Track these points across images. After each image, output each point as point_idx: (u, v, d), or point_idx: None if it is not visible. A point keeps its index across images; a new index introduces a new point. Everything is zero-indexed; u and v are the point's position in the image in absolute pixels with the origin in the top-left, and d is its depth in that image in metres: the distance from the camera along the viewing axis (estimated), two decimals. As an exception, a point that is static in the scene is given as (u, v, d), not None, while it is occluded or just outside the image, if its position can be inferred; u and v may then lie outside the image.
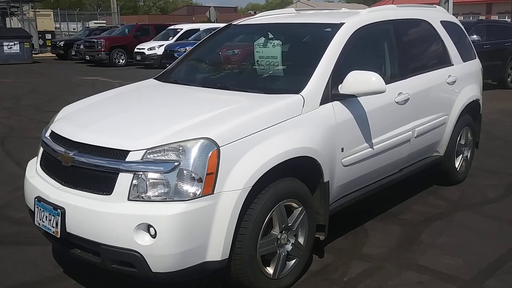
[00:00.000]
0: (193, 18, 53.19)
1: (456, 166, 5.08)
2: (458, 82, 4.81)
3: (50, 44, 27.30)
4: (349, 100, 3.47)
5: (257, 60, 3.88)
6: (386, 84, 3.81)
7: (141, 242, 2.55)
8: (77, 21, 34.65)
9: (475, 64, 5.33)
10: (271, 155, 2.87)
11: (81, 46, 22.39)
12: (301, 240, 3.18)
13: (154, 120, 3.02)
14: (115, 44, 21.33)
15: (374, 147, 3.70)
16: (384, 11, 4.18)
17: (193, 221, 2.59)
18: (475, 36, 11.16)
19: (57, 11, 35.16)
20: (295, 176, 3.14)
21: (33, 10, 29.70)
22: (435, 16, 4.82)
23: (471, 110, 5.14)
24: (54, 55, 26.45)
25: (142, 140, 2.73)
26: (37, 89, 13.49)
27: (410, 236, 3.95)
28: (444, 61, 4.78)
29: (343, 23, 3.73)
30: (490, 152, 6.44)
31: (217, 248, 2.68)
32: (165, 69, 4.33)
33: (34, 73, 18.38)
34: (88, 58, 21.64)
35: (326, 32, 3.71)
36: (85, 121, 3.19)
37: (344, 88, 3.38)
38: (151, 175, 2.62)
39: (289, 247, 3.10)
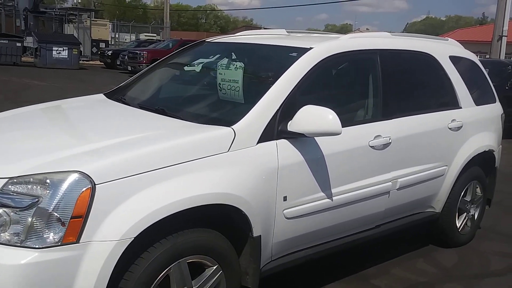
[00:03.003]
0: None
1: (458, 225, 4.32)
2: (466, 128, 4.09)
3: (99, 52, 27.94)
4: (301, 140, 2.87)
5: (219, 83, 3.34)
6: (360, 124, 3.24)
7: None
8: (130, 32, 35.49)
9: (493, 109, 4.57)
10: (172, 200, 2.31)
11: (126, 57, 22.66)
12: (214, 307, 2.59)
13: (39, 145, 2.54)
14: (157, 57, 21.34)
15: (334, 198, 3.06)
16: (370, 39, 3.56)
17: (46, 276, 2.06)
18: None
19: (114, 21, 36.17)
20: (214, 228, 2.57)
21: (89, 19, 30.65)
22: (443, 49, 4.14)
23: (482, 162, 4.38)
24: (102, 63, 27.00)
25: (7, 167, 2.24)
26: (65, 94, 13.51)
27: (374, 310, 3.26)
28: (449, 102, 4.07)
29: (311, 48, 3.15)
30: (511, 211, 5.58)
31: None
32: (120, 84, 3.88)
33: (74, 78, 18.62)
34: (130, 69, 21.83)
35: (290, 57, 3.13)
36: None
37: (294, 125, 2.79)
38: (2, 211, 2.12)
39: (194, 316, 2.51)
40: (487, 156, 4.40)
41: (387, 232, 3.69)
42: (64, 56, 23.37)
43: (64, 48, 23.29)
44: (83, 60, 26.13)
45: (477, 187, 4.46)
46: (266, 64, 3.46)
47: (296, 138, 2.84)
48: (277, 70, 3.06)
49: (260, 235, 2.72)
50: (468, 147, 4.14)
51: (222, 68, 3.40)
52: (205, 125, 2.73)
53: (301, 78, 2.97)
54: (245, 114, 2.73)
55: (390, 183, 3.46)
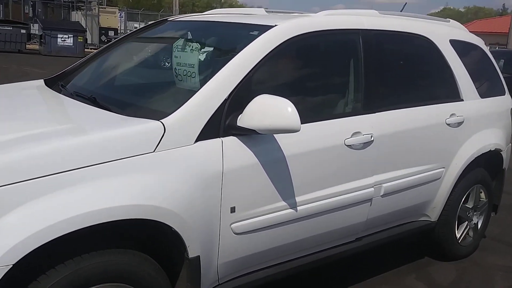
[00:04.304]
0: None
1: (457, 236, 3.75)
2: (468, 124, 3.51)
3: (105, 40, 27.53)
4: (255, 137, 2.34)
5: (175, 68, 2.81)
6: (335, 118, 2.69)
7: None
8: (139, 20, 34.94)
9: (502, 102, 3.97)
10: (72, 214, 1.80)
11: (131, 45, 22.20)
12: None
13: None
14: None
15: (298, 208, 2.53)
16: (352, 17, 2.97)
17: None
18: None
19: (124, 9, 35.71)
20: (139, 248, 2.07)
21: (98, 6, 30.20)
22: (442, 32, 3.54)
23: (488, 163, 3.79)
24: (110, 51, 26.56)
25: None
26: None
27: None
28: (448, 94, 3.49)
29: (275, 26, 2.60)
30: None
31: None
32: (65, 69, 3.36)
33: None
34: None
35: (250, 35, 2.59)
36: None
37: (244, 118, 2.26)
38: None
39: None
40: (493, 156, 3.81)
41: (371, 245, 3.15)
42: (69, 44, 23.00)
43: (69, 35, 22.92)
44: (90, 48, 25.71)
45: (481, 192, 3.88)
46: (223, 45, 2.91)
47: (248, 135, 2.31)
48: (231, 51, 2.52)
49: (199, 256, 2.20)
50: (471, 146, 3.56)
51: (178, 51, 2.86)
52: (131, 117, 2.20)
53: (259, 61, 2.43)
54: (181, 105, 2.20)
55: (373, 189, 2.91)
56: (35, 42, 24.71)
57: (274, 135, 2.40)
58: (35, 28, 24.15)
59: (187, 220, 2.10)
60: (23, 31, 22.27)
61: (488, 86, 3.86)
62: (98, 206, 1.85)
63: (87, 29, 26.13)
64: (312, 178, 2.57)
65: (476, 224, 3.91)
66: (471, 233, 3.88)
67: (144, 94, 2.71)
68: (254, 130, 2.25)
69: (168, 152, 2.09)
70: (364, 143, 2.79)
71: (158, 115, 2.15)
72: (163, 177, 2.05)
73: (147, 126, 2.08)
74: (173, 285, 2.24)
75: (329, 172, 2.66)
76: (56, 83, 3.05)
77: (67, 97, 2.68)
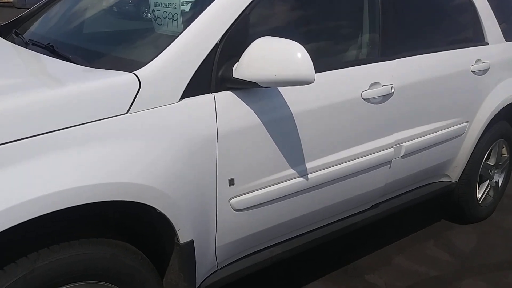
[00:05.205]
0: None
1: (478, 196, 3.37)
2: (493, 70, 3.06)
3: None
4: (255, 92, 1.88)
5: (152, 10, 2.30)
6: (349, 66, 2.24)
7: None
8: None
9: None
10: (22, 199, 1.35)
11: None
12: None
13: None
14: None
15: (309, 176, 2.10)
16: None
17: None
18: None
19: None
20: (115, 235, 1.64)
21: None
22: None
23: (510, 115, 3.38)
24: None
25: None
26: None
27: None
28: (472, 36, 3.03)
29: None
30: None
31: None
32: (21, 14, 2.82)
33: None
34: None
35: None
36: None
37: (242, 68, 1.79)
38: None
39: None
40: (518, 107, 3.39)
41: (388, 212, 2.76)
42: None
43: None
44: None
45: (503, 147, 3.48)
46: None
47: (247, 89, 1.86)
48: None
49: (192, 240, 1.78)
50: (496, 96, 3.12)
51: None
52: (95, 69, 1.72)
53: (258, -5, 1.94)
54: (160, 52, 1.72)
55: (393, 149, 2.49)
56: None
57: (279, 88, 1.94)
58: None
59: (174, 199, 1.66)
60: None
61: (513, 28, 3.40)
62: (53, 188, 1.39)
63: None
64: (324, 140, 2.13)
65: (497, 183, 3.53)
66: (491, 193, 3.51)
67: (114, 41, 2.21)
68: (255, 83, 1.78)
69: (145, 114, 1.62)
70: (384, 95, 2.34)
71: (131, 66, 1.68)
72: (140, 146, 1.59)
73: (116, 80, 1.61)
74: (162, 276, 1.83)
75: (344, 132, 2.22)
76: (9, 31, 2.54)
77: (20, 47, 2.18)
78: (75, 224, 1.57)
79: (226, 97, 1.82)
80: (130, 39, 2.18)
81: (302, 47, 1.72)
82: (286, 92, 1.95)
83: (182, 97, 1.72)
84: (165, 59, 1.70)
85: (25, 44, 2.18)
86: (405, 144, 2.55)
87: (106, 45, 2.14)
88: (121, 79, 1.61)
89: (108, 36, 2.37)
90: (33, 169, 1.38)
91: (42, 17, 2.67)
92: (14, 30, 2.50)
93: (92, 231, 1.60)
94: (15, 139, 1.37)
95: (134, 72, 1.64)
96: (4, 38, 2.41)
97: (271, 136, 1.92)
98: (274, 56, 1.73)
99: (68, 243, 1.51)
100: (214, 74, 1.80)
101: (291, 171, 2.03)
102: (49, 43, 2.04)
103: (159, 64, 1.68)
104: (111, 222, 1.71)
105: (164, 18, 2.16)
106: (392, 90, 2.37)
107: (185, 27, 1.82)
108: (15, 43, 2.26)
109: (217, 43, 1.81)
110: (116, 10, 2.62)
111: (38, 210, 1.35)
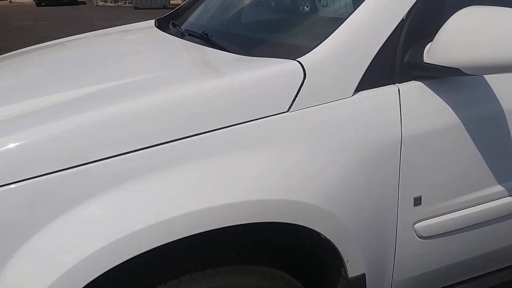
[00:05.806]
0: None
1: None
2: None
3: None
4: (453, 82, 1.40)
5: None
6: None
7: None
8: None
9: None
10: (156, 219, 1.09)
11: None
12: None
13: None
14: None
15: (519, 197, 1.56)
16: None
17: None
18: None
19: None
20: (267, 264, 1.33)
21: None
22: None
23: None
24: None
25: None
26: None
27: None
28: None
29: None
30: None
31: None
32: (177, 7, 2.67)
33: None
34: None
35: None
36: None
37: (438, 50, 1.32)
38: None
39: None
40: None
41: None
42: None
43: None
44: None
45: None
46: None
47: (441, 78, 1.39)
48: None
49: (364, 274, 1.38)
50: None
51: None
52: (252, 57, 1.40)
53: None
54: (327, 36, 1.33)
55: None
56: (181, -2, 25.24)
57: (486, 77, 1.43)
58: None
59: (343, 221, 1.28)
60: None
61: None
62: (197, 206, 1.11)
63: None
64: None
65: None
66: None
67: (271, 27, 1.89)
68: (457, 69, 1.31)
69: (309, 112, 1.26)
70: None
71: (293, 52, 1.32)
72: (301, 154, 1.24)
73: (275, 69, 1.26)
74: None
75: None
76: (167, 23, 2.40)
77: (175, 37, 1.99)
78: (219, 248, 1.28)
79: (414, 89, 1.37)
80: (290, 23, 1.85)
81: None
82: (496, 82, 1.44)
83: (357, 90, 1.32)
84: (335, 42, 1.31)
85: (181, 35, 1.99)
86: None
87: (263, 32, 1.84)
88: (281, 67, 1.27)
89: (265, 22, 2.08)
90: (184, 180, 1.12)
91: (199, 7, 2.50)
92: (171, 21, 2.35)
93: (240, 256, 1.30)
94: (170, 140, 1.14)
95: (297, 59, 1.28)
96: (163, 31, 2.28)
97: (473, 142, 1.43)
98: (487, 32, 1.24)
99: (214, 270, 1.23)
100: (398, 59, 1.37)
101: (499, 188, 1.51)
102: (203, 31, 1.80)
103: (327, 49, 1.30)
104: (258, 250, 1.39)
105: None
106: None
107: (357, 2, 1.41)
108: (171, 34, 2.10)
109: (403, 18, 1.37)
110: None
111: (198, 226, 1.10)
